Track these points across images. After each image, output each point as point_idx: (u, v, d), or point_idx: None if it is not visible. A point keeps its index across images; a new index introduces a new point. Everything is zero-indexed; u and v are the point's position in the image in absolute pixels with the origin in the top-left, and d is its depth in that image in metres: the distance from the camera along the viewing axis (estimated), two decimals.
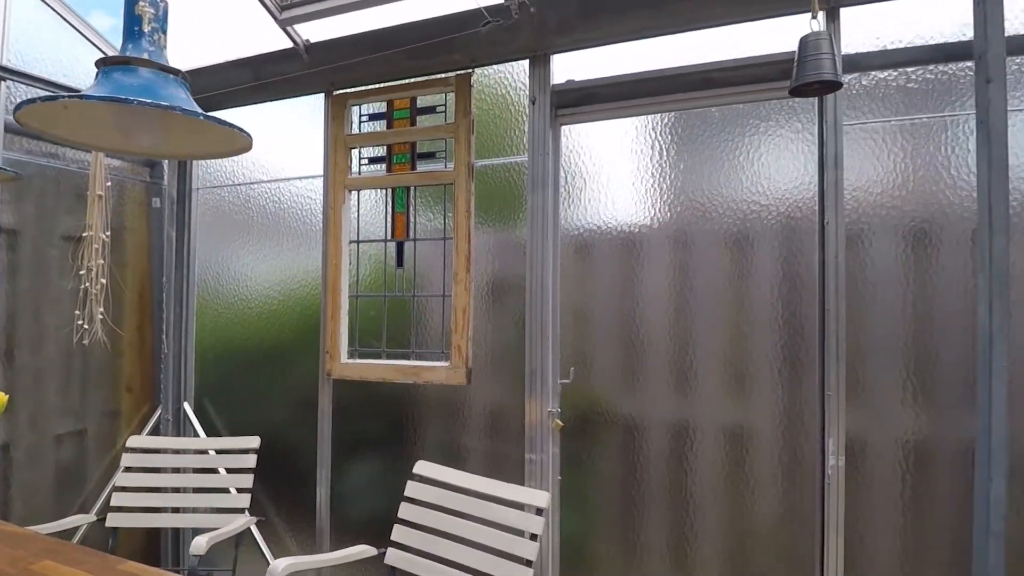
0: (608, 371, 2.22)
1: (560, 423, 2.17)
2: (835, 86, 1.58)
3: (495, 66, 2.37)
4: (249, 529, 2.70)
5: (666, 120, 2.14)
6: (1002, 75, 1.60)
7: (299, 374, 2.70)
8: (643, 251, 2.18)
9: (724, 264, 2.07)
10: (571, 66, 2.24)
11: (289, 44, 2.54)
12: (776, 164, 2.00)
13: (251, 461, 2.59)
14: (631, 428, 2.18)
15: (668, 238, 2.14)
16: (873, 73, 1.85)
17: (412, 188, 2.40)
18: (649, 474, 2.15)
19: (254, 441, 2.60)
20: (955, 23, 1.81)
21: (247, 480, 2.58)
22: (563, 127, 2.27)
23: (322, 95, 2.60)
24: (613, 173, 2.22)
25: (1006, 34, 1.63)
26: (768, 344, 2.01)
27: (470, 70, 2.28)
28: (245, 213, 2.91)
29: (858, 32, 1.86)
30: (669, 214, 2.14)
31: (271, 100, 2.82)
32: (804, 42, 1.58)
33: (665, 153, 2.14)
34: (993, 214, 1.60)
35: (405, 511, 2.12)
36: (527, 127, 2.24)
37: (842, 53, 1.83)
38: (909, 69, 1.82)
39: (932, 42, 1.82)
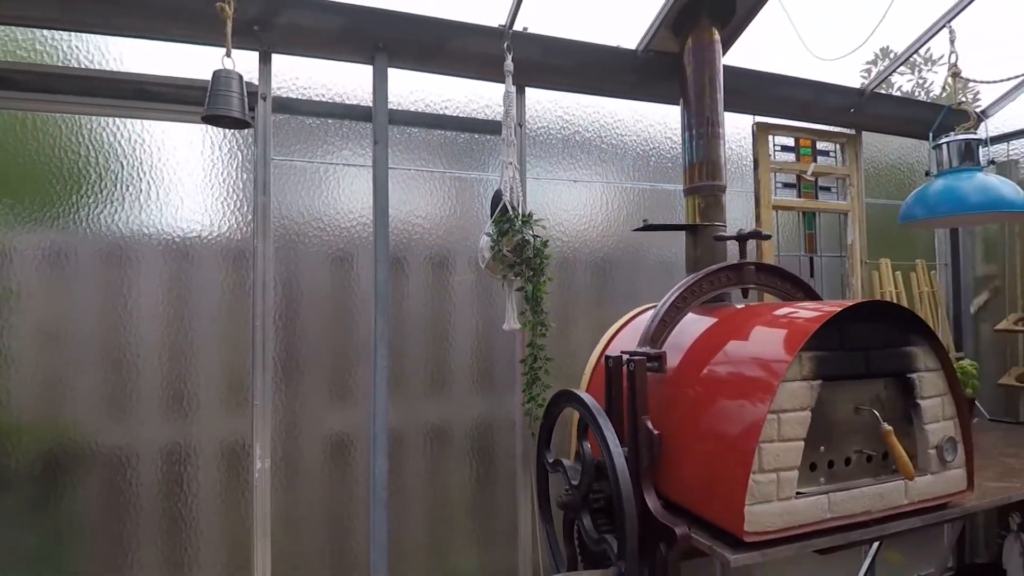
0: (91, 399, 1.91)
1: None
2: (244, 124, 1.74)
3: None
4: None
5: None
6: (385, 138, 2.05)
7: None
8: (134, 264, 1.96)
9: (224, 280, 2.04)
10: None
11: None
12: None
13: None
14: (118, 459, 1.93)
15: (162, 250, 1.99)
16: (301, 118, 2.12)
17: None
18: (136, 506, 1.94)
19: None
20: (366, 91, 2.18)
21: None
22: None
23: None
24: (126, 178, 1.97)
25: (393, 107, 2.11)
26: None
27: None
28: None
29: (290, 79, 2.11)
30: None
31: None
32: (216, 76, 1.68)
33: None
34: (378, 249, 2.03)
35: None
36: None
37: (273, 94, 2.04)
38: (330, 120, 2.15)
39: (348, 102, 2.19)
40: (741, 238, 1.91)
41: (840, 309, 1.45)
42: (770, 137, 2.79)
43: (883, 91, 2.94)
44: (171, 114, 1.96)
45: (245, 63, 1.94)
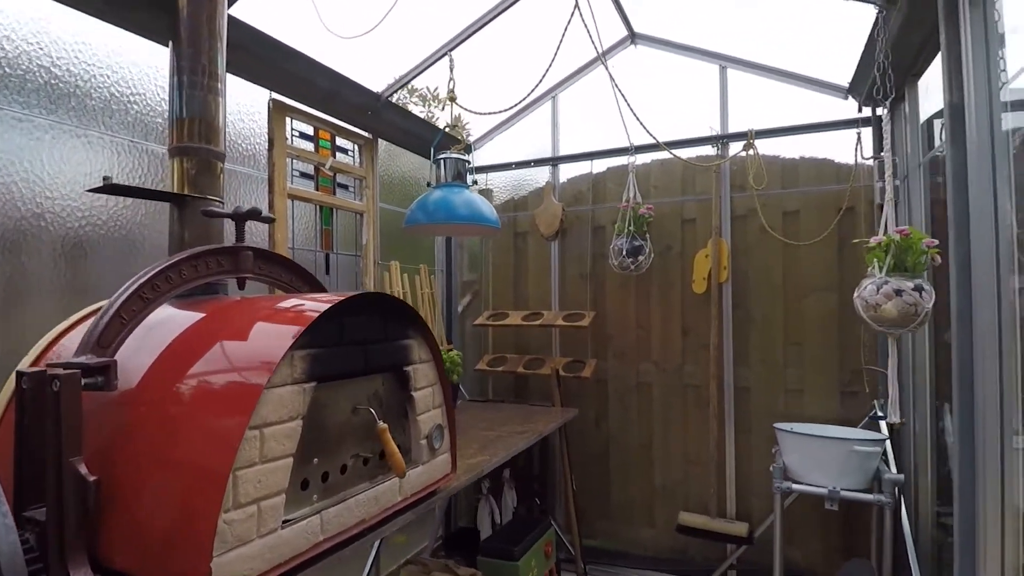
0: None
1: None
2: None
3: None
4: None
5: None
6: None
7: None
8: None
9: None
10: None
11: None
12: None
13: None
14: None
15: None
16: None
17: None
18: None
19: None
20: None
21: None
22: None
23: None
24: None
25: None
26: None
27: None
28: None
29: None
30: None
31: None
32: None
33: None
34: None
35: None
36: None
37: None
38: None
39: None
40: (238, 217, 1.58)
41: (342, 299, 1.29)
42: (289, 120, 2.56)
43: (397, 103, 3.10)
44: None
45: None
